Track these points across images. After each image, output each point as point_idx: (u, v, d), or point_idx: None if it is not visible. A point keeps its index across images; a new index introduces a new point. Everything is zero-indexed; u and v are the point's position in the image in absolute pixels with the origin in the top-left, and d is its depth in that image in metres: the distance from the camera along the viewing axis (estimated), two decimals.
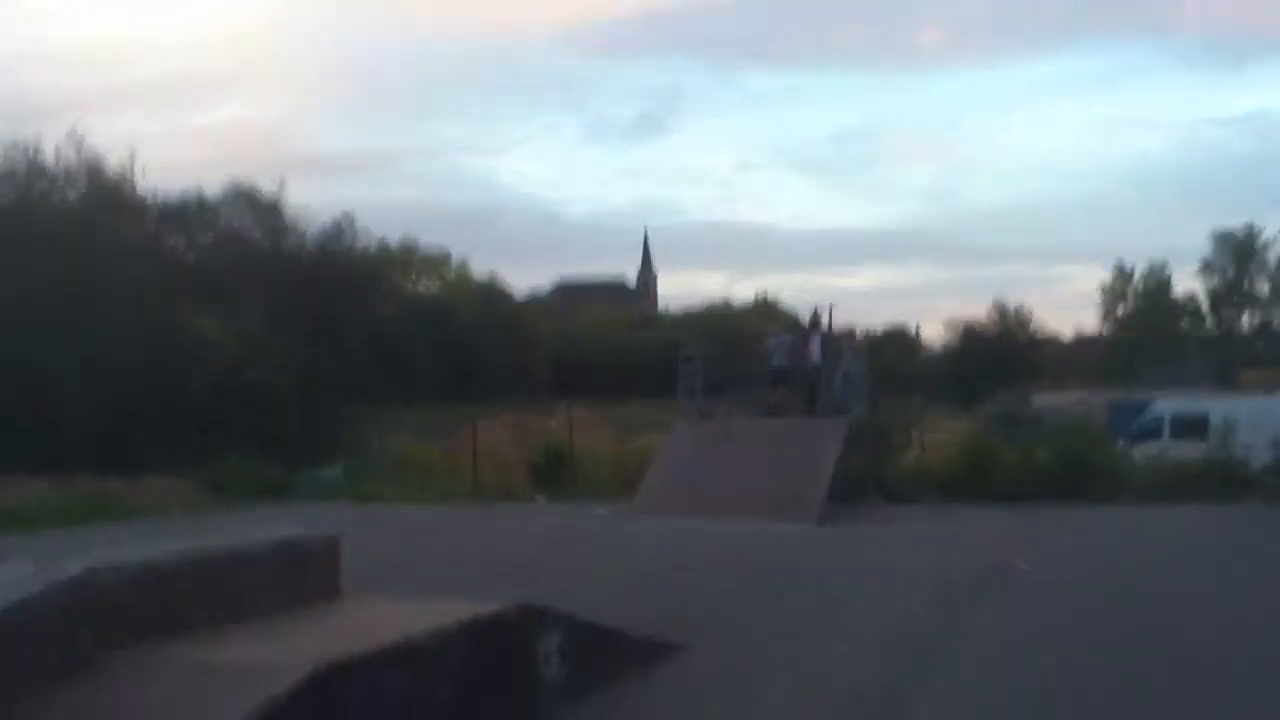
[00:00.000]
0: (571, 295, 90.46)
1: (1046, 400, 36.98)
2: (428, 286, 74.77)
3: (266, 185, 36.54)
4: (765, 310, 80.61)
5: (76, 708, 5.18)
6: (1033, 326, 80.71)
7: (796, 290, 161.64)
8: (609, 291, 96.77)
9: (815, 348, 19.92)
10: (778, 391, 20.47)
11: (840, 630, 8.96)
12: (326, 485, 23.91)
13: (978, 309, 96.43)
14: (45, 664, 5.36)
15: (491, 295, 68.62)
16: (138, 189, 32.49)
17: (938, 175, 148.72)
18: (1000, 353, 70.23)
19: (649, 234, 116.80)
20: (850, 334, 23.62)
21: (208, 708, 4.92)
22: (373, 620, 6.50)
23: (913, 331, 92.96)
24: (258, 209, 36.23)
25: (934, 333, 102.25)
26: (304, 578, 6.99)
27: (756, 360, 21.29)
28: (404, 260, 68.06)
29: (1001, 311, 78.40)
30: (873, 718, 6.62)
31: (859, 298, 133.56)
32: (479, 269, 75.88)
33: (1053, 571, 11.70)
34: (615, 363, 62.83)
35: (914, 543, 14.13)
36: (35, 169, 30.44)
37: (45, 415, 24.33)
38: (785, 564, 12.39)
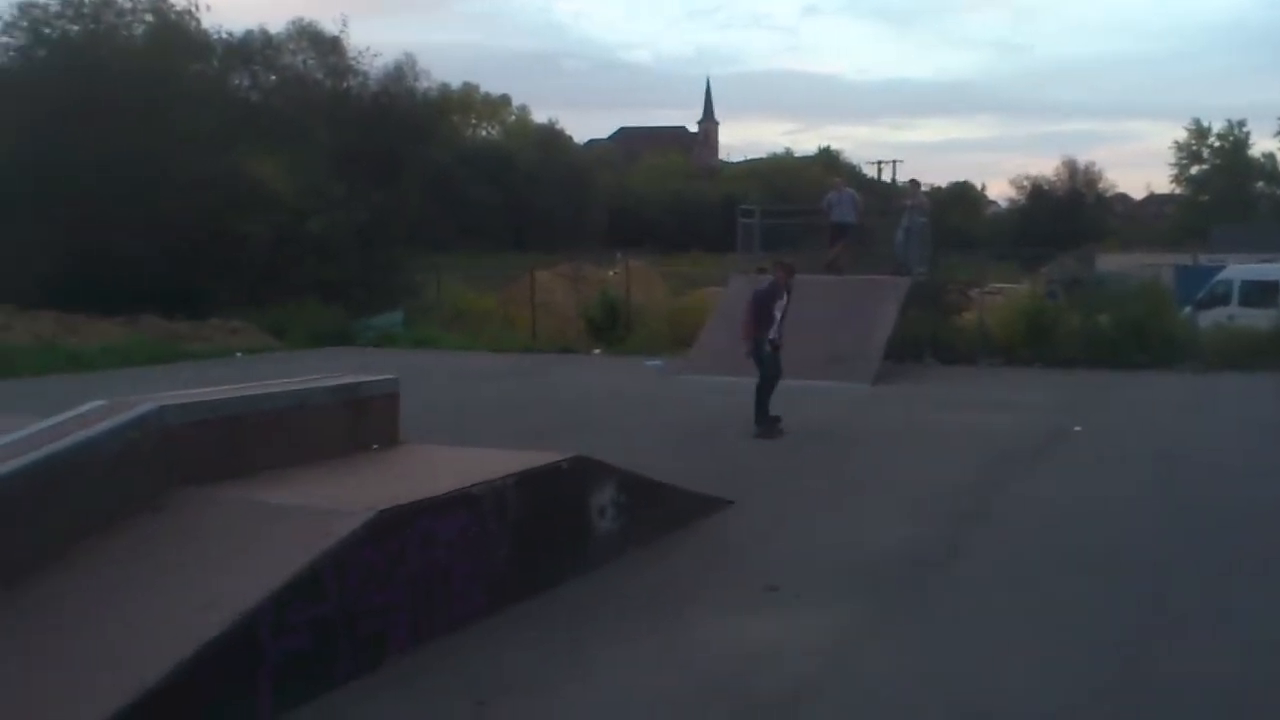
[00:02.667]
0: (632, 143, 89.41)
1: (1112, 263, 36.20)
2: (488, 132, 74.12)
3: (329, 24, 36.14)
4: (828, 163, 79.28)
5: (143, 542, 5.39)
6: (1102, 185, 78.62)
7: (860, 143, 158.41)
8: (670, 140, 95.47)
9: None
10: (836, 247, 20.24)
11: (888, 490, 9.04)
12: (384, 331, 24.24)
13: (1046, 166, 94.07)
14: (114, 500, 5.56)
15: (551, 141, 67.91)
16: (202, 25, 32.24)
17: (1010, 25, 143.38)
18: (1067, 212, 68.59)
19: (711, 82, 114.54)
20: (913, 189, 23.11)
21: (274, 547, 5.09)
22: (430, 467, 6.64)
23: (978, 188, 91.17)
24: (320, 48, 35.82)
25: (1000, 190, 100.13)
26: (364, 423, 7.13)
27: (817, 215, 21.00)
28: (464, 104, 67.33)
29: (1070, 169, 76.23)
30: (910, 576, 6.70)
31: (923, 152, 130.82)
32: (539, 115, 75.08)
33: (1109, 438, 11.64)
34: (674, 214, 62.39)
35: (968, 405, 14.09)
36: (101, 4, 30.17)
37: (114, 258, 24.69)
38: (837, 423, 12.45)
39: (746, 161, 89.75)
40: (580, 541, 6.62)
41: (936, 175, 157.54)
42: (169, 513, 5.58)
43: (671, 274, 33.39)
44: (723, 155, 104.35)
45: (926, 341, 19.37)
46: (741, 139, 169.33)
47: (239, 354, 21.08)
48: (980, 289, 22.66)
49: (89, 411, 5.89)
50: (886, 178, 63.23)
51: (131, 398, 6.26)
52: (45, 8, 29.16)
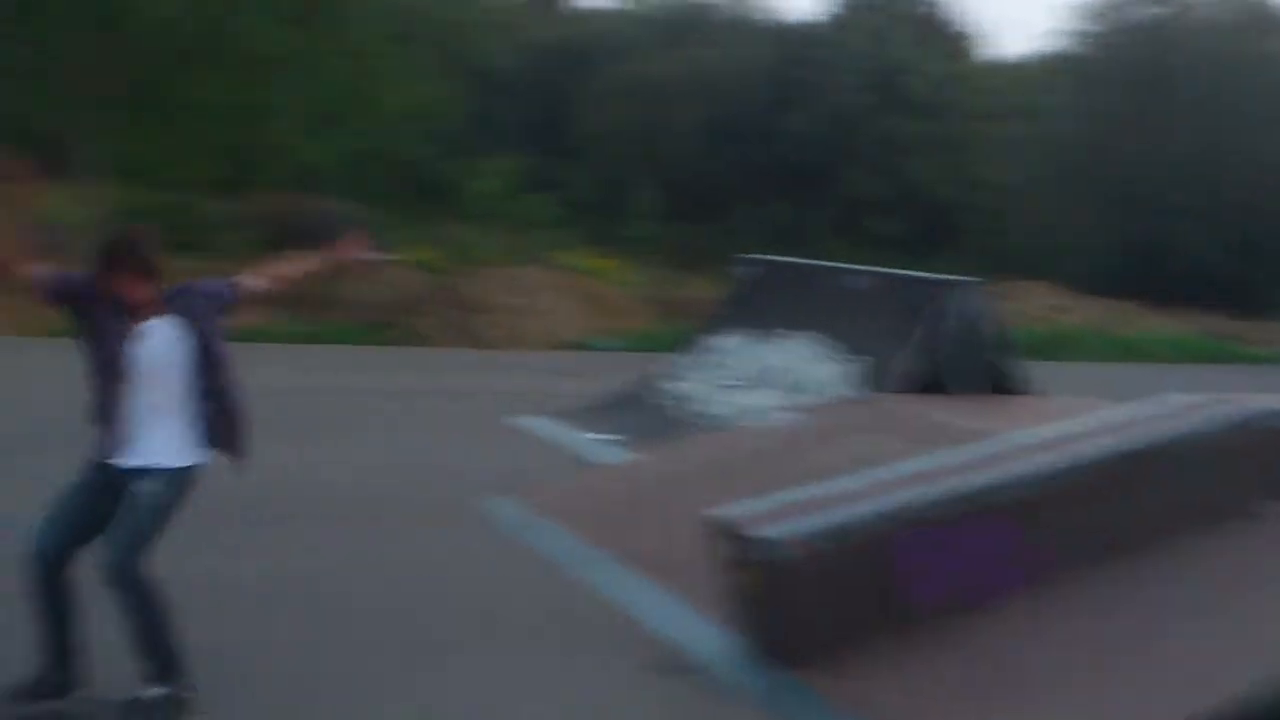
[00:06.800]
0: None
1: None
2: None
3: None
4: None
5: (1236, 549, 5.07)
6: None
7: None
8: None
9: None
10: None
11: None
12: None
13: None
14: (1202, 498, 5.32)
15: None
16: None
17: None
18: None
19: None
20: None
21: None
22: None
23: None
24: None
25: None
26: None
27: None
28: None
29: None
30: None
31: None
32: None
33: None
34: None
35: None
36: None
37: (1172, 248, 24.49)
38: None
39: None
40: None
41: None
42: (1267, 523, 5.20)
43: None
44: None
45: None
46: None
47: None
48: None
49: (1175, 404, 5.73)
50: None
51: (1226, 395, 5.96)
52: None
